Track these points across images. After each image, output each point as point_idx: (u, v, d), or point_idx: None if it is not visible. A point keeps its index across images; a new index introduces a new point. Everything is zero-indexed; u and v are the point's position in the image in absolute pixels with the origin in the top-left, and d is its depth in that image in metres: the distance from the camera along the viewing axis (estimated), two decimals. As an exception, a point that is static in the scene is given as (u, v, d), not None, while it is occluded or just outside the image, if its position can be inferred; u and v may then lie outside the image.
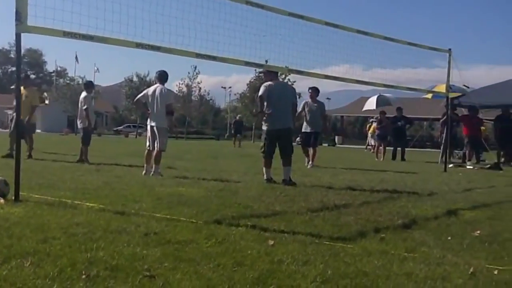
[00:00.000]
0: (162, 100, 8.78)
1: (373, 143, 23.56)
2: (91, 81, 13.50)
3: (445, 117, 16.37)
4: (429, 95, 17.62)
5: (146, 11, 6.13)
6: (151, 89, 9.07)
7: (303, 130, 12.88)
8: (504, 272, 3.22)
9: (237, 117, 34.05)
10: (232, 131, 32.58)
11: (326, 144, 45.16)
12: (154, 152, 8.82)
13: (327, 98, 72.86)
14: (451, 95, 14.05)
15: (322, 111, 12.95)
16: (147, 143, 9.01)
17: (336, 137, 54.49)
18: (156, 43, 6.05)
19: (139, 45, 5.87)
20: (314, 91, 12.75)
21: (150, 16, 6.11)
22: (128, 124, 67.24)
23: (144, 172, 8.80)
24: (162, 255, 3.29)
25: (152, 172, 8.69)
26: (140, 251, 3.38)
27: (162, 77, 9.09)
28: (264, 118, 8.29)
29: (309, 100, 12.82)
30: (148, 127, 9.03)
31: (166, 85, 9.07)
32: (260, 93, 8.34)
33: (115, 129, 66.29)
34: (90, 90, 12.01)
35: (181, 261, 3.17)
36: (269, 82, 8.36)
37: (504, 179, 10.70)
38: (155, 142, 8.82)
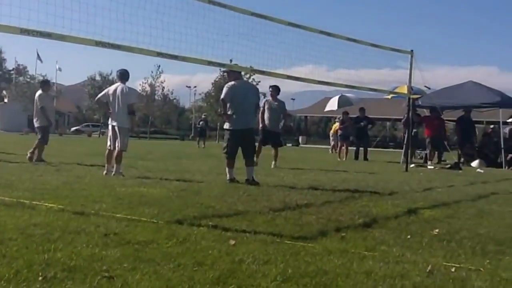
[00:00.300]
0: (124, 99, 8.67)
1: (333, 143, 23.80)
2: (47, 80, 13.36)
3: (405, 117, 16.75)
4: (389, 96, 17.97)
5: (107, 9, 6.05)
6: (112, 88, 8.96)
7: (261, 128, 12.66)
8: (461, 270, 3.28)
9: (203, 116, 33.88)
10: (198, 130, 32.18)
11: (290, 144, 45.48)
12: (115, 152, 8.71)
13: (292, 99, 73.58)
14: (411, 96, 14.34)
15: (282, 110, 12.77)
16: (108, 143, 8.90)
17: (300, 137, 54.96)
18: (116, 42, 5.97)
19: (98, 43, 5.77)
20: (275, 89, 12.52)
21: (110, 14, 6.03)
22: (87, 124, 66.23)
23: (105, 172, 8.69)
24: (121, 256, 3.25)
25: (113, 172, 8.58)
26: (99, 251, 3.33)
27: (123, 75, 8.99)
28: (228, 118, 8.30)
29: (270, 98, 12.65)
30: (109, 127, 8.92)
31: (128, 84, 8.97)
32: (222, 96, 8.29)
33: (74, 128, 64.98)
34: (47, 88, 11.91)
35: (140, 262, 3.14)
36: (232, 83, 8.31)
37: (463, 178, 10.95)
38: (116, 142, 8.72)
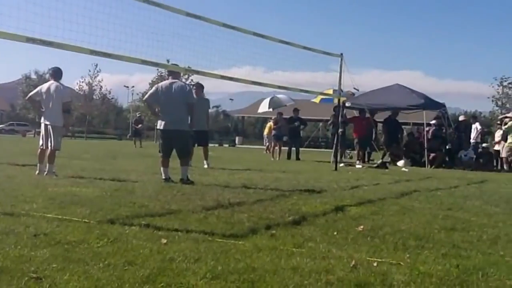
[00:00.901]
0: (58, 97, 8.51)
1: (268, 144, 24.06)
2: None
3: (332, 119, 17.32)
4: (318, 99, 18.44)
5: (39, 5, 5.86)
6: (45, 86, 8.75)
7: None
8: (383, 264, 3.42)
9: (137, 115, 33.27)
10: (133, 130, 31.45)
11: (226, 145, 45.58)
12: (48, 151, 8.52)
13: (230, 99, 73.64)
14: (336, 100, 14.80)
15: (207, 108, 12.56)
16: (40, 142, 8.70)
17: (237, 138, 55.19)
18: (48, 38, 5.82)
19: (29, 40, 5.59)
20: (198, 87, 12.21)
21: (42, 11, 5.85)
22: (11, 122, 63.60)
23: (37, 172, 8.49)
24: (50, 256, 3.21)
25: (45, 172, 8.39)
26: (28, 252, 3.28)
27: (56, 73, 8.82)
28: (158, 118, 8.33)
29: (194, 96, 12.48)
30: (42, 126, 8.71)
31: (66, 82, 8.86)
32: (145, 96, 8.34)
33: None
34: None
35: (70, 262, 3.12)
36: (160, 83, 8.44)
37: (389, 177, 11.37)
38: (49, 141, 8.52)
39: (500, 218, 5.69)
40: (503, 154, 16.48)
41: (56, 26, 5.95)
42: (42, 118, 8.71)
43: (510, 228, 5.05)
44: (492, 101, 53.81)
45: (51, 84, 8.64)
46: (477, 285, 3.07)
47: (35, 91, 8.99)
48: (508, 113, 21.05)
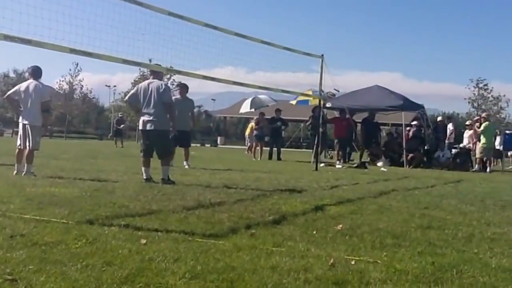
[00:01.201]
0: (37, 96, 8.42)
1: (249, 144, 24.06)
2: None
3: (311, 120, 17.44)
4: (294, 102, 18.53)
5: (16, 1, 5.78)
6: (24, 84, 8.67)
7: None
8: (360, 262, 3.46)
9: (119, 115, 32.96)
10: (114, 130, 31.12)
11: (208, 145, 45.48)
12: (26, 151, 8.44)
13: (212, 99, 73.53)
14: (312, 102, 14.85)
15: (190, 108, 12.53)
16: (18, 142, 8.62)
17: (218, 138, 55.12)
18: (27, 37, 5.74)
19: (7, 37, 5.50)
20: (183, 87, 12.25)
21: (21, 8, 5.77)
22: None
23: (15, 172, 8.39)
24: (27, 257, 3.18)
25: (23, 172, 8.30)
26: (4, 254, 3.24)
27: (36, 72, 8.73)
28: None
29: (178, 96, 12.20)
30: (20, 125, 8.61)
31: (46, 82, 8.88)
32: (126, 97, 8.34)
33: None
34: None
35: (47, 263, 3.09)
36: (140, 83, 8.46)
37: (368, 176, 11.50)
38: (27, 141, 8.44)
39: (474, 216, 5.79)
40: (477, 155, 16.77)
41: (35, 24, 5.88)
42: (21, 118, 8.61)
43: (484, 227, 5.15)
44: (469, 102, 54.83)
45: (30, 83, 8.55)
46: (452, 282, 3.12)
47: (13, 90, 8.88)
48: (475, 118, 21.56)
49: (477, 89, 54.54)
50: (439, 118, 18.66)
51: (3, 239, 3.62)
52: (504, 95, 54.52)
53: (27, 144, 8.43)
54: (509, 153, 22.17)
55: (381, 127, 21.18)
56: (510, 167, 20.84)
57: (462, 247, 4.13)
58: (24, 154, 8.48)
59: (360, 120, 19.26)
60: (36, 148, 8.54)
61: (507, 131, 22.70)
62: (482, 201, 7.33)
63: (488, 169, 16.35)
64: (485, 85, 54.51)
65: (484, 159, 16.63)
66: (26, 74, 9.55)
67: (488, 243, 4.32)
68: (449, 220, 5.43)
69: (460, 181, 11.29)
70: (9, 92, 8.96)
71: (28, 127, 8.45)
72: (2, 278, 2.77)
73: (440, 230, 4.81)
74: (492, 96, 54.51)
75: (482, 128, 16.54)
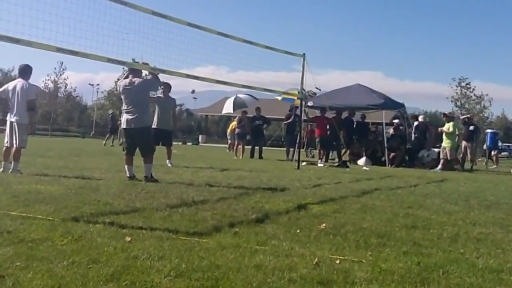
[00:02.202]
0: (23, 95, 8.48)
1: (230, 142, 24.04)
2: None
3: (290, 119, 17.49)
4: (279, 98, 18.57)
5: (5, 0, 5.76)
6: (12, 84, 8.78)
7: (153, 126, 11.18)
8: (345, 261, 3.48)
9: (110, 113, 32.49)
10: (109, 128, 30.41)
11: (190, 143, 45.35)
12: (13, 149, 8.49)
13: (194, 98, 73.20)
14: (297, 100, 14.90)
15: (173, 107, 12.57)
16: (6, 139, 8.66)
17: (200, 136, 55.00)
18: (15, 36, 5.72)
19: (-4, 37, 5.50)
20: (166, 86, 12.21)
21: (9, 7, 5.73)
22: None
23: (1, 169, 8.44)
24: (14, 254, 3.19)
25: (10, 170, 8.34)
26: (-9, 250, 3.24)
27: (23, 71, 8.80)
28: None
29: (161, 96, 12.36)
30: (8, 123, 8.67)
31: (32, 80, 8.82)
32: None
33: None
34: None
35: (33, 260, 3.10)
36: (120, 82, 8.54)
37: (350, 175, 11.54)
38: (14, 139, 8.50)
39: (459, 216, 5.80)
40: (441, 155, 16.29)
41: (23, 24, 5.85)
42: (8, 116, 8.74)
43: (469, 226, 5.15)
44: (451, 101, 55.17)
45: (18, 82, 8.67)
46: (438, 282, 3.13)
47: (2, 89, 9.04)
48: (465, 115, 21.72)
49: (459, 88, 54.86)
50: (420, 118, 18.75)
51: (-10, 236, 3.62)
52: (487, 94, 54.97)
53: (14, 142, 8.51)
54: (492, 152, 22.19)
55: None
56: (494, 166, 21.00)
57: (448, 247, 4.14)
58: (11, 152, 8.55)
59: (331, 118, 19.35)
60: (23, 146, 8.61)
61: (489, 130, 23.04)
62: (467, 201, 7.33)
63: (457, 166, 16.08)
64: (467, 84, 54.92)
65: (449, 158, 16.18)
66: (16, 74, 9.57)
67: (474, 243, 4.32)
68: (433, 220, 5.43)
69: (444, 180, 11.34)
70: None
71: (15, 125, 8.54)
72: (-10, 274, 2.78)
73: (425, 230, 4.82)
74: (474, 95, 54.84)
75: (451, 129, 16.02)
